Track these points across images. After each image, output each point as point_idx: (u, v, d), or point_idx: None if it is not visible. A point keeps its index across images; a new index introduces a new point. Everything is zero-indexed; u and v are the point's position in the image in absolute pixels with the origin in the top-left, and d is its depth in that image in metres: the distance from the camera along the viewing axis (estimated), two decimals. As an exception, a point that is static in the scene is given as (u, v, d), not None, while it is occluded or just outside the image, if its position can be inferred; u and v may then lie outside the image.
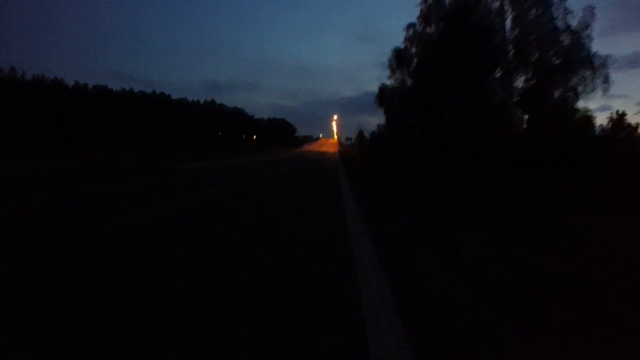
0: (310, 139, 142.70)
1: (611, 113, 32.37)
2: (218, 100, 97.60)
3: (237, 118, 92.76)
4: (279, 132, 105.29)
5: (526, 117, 13.27)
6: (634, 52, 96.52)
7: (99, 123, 61.96)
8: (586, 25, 11.35)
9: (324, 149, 66.54)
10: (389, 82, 25.13)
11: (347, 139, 75.56)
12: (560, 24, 11.63)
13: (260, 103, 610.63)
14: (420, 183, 11.71)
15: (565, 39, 11.56)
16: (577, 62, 11.38)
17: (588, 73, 11.31)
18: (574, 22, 11.48)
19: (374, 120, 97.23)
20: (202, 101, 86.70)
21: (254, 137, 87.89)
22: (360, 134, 50.70)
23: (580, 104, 12.38)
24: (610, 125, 30.30)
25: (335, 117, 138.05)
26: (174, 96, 79.56)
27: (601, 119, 46.56)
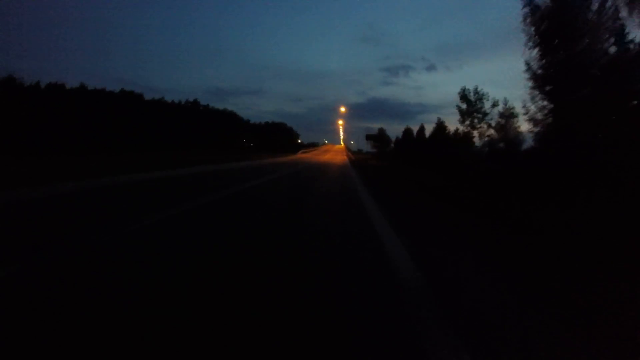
0: (315, 145, 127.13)
1: None
2: (222, 106, 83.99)
3: (227, 121, 78.78)
4: (278, 137, 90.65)
5: None
6: None
7: (50, 123, 49.27)
8: None
9: (327, 157, 44.85)
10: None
11: (369, 137, 53.23)
12: None
13: (265, 109, 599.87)
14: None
15: None
16: None
17: None
18: None
19: (379, 126, 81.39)
20: (183, 102, 72.95)
21: (244, 141, 73.32)
22: (381, 132, 35.24)
23: None
24: None
25: (341, 122, 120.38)
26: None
27: None
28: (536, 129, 10.21)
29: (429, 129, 43.61)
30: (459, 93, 17.14)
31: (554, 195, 7.03)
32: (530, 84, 9.81)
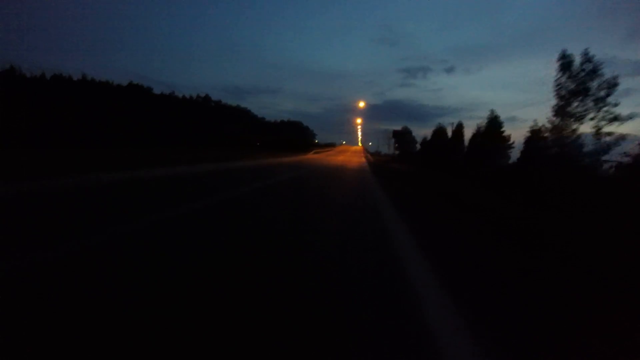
0: (332, 146, 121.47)
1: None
2: (240, 104, 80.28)
3: (240, 118, 74.96)
4: (293, 137, 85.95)
5: None
6: None
7: (51, 116, 46.96)
8: None
9: (341, 158, 39.27)
10: None
11: (396, 133, 46.51)
12: None
13: (282, 108, 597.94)
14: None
15: None
16: None
17: None
18: None
19: (396, 128, 75.51)
20: (194, 97, 69.64)
21: (258, 139, 69.05)
22: (406, 130, 29.73)
23: None
24: None
25: (359, 120, 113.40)
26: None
27: None
28: None
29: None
30: (557, 60, 10.76)
31: None
32: None
